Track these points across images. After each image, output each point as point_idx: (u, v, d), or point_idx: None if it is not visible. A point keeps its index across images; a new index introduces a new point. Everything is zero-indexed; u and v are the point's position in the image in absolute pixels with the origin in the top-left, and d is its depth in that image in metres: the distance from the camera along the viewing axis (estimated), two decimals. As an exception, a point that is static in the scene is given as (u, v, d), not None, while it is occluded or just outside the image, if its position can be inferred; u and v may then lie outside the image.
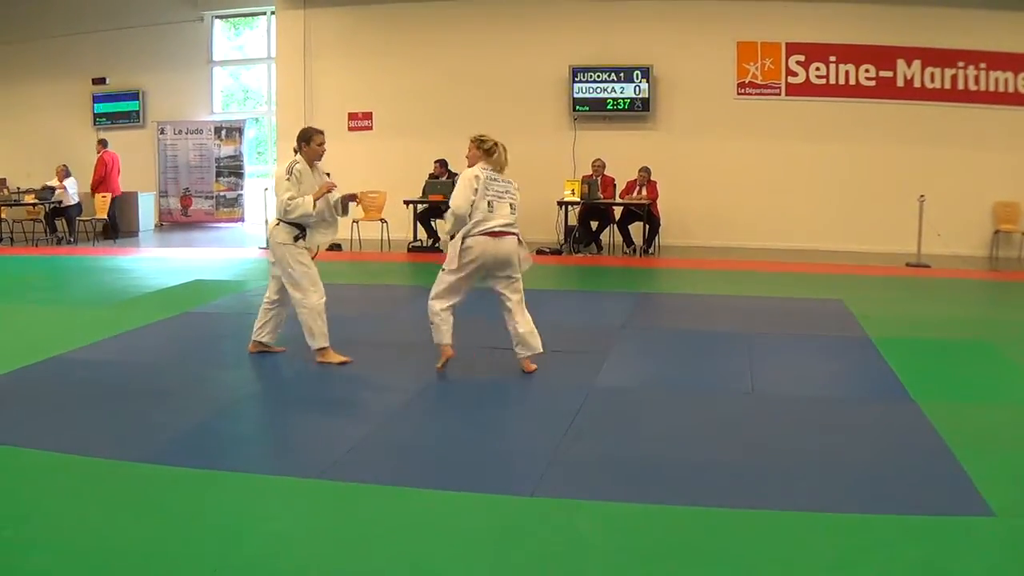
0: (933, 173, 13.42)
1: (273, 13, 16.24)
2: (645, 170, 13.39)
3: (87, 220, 15.36)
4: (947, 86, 13.73)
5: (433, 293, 6.28)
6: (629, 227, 13.69)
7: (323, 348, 6.62)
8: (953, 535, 3.77)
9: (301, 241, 6.51)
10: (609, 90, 14.51)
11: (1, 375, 6.17)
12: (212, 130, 17.24)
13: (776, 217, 14.21)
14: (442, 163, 14.08)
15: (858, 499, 4.12)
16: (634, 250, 13.62)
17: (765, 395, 5.95)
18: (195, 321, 8.40)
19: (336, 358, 6.63)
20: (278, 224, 6.52)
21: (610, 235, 14.03)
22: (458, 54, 15.03)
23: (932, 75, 13.76)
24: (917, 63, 13.77)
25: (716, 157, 14.24)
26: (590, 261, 13.21)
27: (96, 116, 17.55)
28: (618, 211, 13.80)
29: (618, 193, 13.63)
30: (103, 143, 15.89)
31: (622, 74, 14.43)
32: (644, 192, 13.40)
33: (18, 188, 15.92)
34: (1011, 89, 13.57)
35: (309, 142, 6.49)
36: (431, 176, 14.13)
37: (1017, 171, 13.38)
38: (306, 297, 6.51)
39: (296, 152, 6.53)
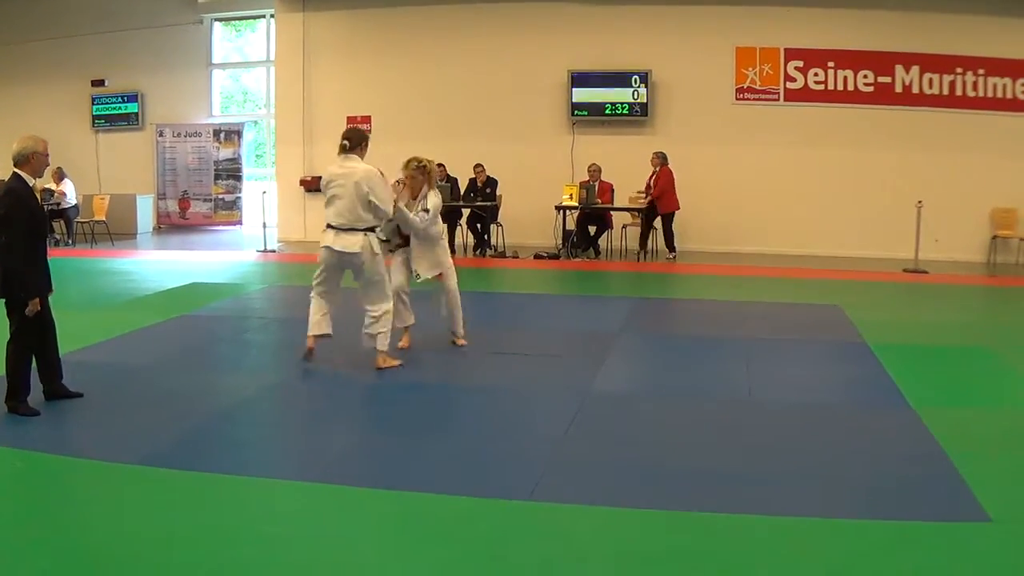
0: (931, 179, 13.44)
1: (272, 16, 16.25)
2: (660, 155, 13.27)
3: (85, 222, 15.34)
4: (945, 92, 13.75)
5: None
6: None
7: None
8: (949, 540, 3.78)
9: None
10: (608, 95, 14.51)
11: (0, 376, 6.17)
12: (211, 133, 17.23)
13: (774, 222, 14.21)
14: (440, 167, 14.09)
15: (855, 504, 4.13)
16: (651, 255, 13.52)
17: (762, 401, 5.96)
18: (193, 324, 8.40)
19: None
20: None
21: (608, 240, 14.04)
22: (457, 58, 15.02)
23: (930, 81, 13.78)
24: (915, 69, 13.79)
25: (714, 162, 14.23)
26: (588, 266, 13.22)
27: (95, 118, 17.52)
28: (616, 217, 13.80)
29: (649, 192, 13.40)
30: None
31: (621, 79, 14.44)
32: (657, 180, 13.21)
33: None
34: (1009, 95, 13.57)
35: None
36: (430, 180, 14.10)
37: (1015, 177, 13.37)
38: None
39: None
